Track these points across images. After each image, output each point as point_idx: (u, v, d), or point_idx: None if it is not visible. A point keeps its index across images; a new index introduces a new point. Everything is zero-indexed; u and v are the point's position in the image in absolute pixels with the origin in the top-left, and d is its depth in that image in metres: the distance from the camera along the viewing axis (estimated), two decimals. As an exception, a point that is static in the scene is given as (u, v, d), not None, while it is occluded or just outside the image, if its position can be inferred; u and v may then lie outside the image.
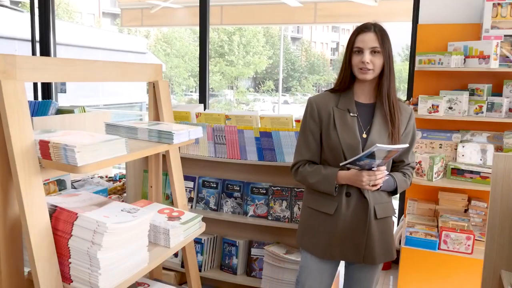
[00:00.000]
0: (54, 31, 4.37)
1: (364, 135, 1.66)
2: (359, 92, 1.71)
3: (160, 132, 1.57)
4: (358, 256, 1.67)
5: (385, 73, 1.65)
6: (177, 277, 2.70)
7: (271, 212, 2.44)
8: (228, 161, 2.50)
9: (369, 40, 1.61)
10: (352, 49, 1.64)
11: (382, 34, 1.63)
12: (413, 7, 3.03)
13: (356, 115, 1.68)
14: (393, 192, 1.74)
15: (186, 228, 1.58)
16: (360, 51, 1.62)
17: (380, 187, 1.63)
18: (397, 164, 1.78)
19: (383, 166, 1.58)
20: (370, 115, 1.69)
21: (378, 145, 1.42)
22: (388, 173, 1.67)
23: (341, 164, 1.60)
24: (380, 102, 1.68)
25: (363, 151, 1.61)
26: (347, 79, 1.69)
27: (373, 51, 1.61)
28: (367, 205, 1.65)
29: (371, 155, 1.47)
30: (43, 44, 4.31)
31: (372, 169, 1.57)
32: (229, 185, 2.57)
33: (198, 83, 3.72)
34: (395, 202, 4.51)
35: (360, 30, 1.64)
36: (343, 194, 1.66)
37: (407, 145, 1.61)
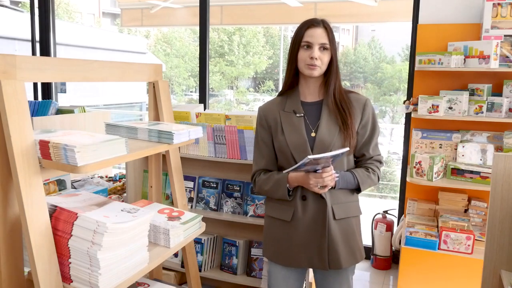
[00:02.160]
0: (54, 31, 4.37)
1: (313, 134, 1.62)
2: (305, 91, 1.67)
3: (160, 132, 1.57)
4: (323, 262, 1.61)
5: (333, 70, 1.62)
6: (177, 277, 2.70)
7: (271, 212, 2.44)
8: (228, 161, 2.50)
9: (319, 35, 1.56)
10: (300, 43, 1.59)
11: (331, 30, 1.59)
12: (413, 7, 3.03)
13: (302, 115, 1.64)
14: (357, 190, 1.67)
15: (186, 228, 1.58)
16: (309, 46, 1.57)
17: (334, 186, 1.58)
18: (360, 159, 1.70)
19: (329, 167, 1.52)
20: (318, 113, 1.64)
21: (309, 156, 1.39)
22: (340, 171, 1.61)
23: (283, 172, 1.58)
24: (327, 99, 1.64)
25: (312, 150, 1.58)
26: (291, 76, 1.65)
27: (322, 47, 1.57)
28: (325, 206, 1.59)
29: (313, 162, 1.44)
30: (43, 44, 4.31)
31: (317, 171, 1.53)
32: (229, 185, 2.57)
33: (198, 83, 3.72)
34: (395, 202, 4.52)
35: (310, 24, 1.58)
36: (298, 198, 1.61)
37: (346, 149, 1.46)
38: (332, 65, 1.61)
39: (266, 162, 1.71)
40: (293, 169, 1.50)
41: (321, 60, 1.57)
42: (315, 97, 1.67)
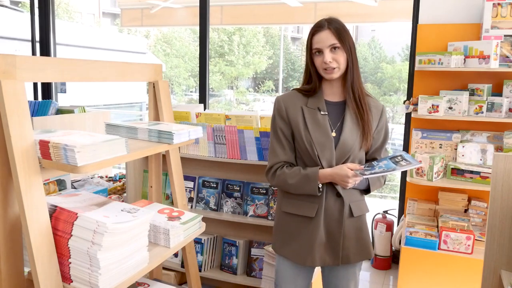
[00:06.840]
0: (54, 31, 4.37)
1: (334, 134, 1.62)
2: (328, 91, 1.67)
3: (160, 132, 1.57)
4: (336, 259, 1.63)
5: (349, 67, 1.60)
6: (177, 277, 2.70)
7: (271, 212, 2.44)
8: (228, 161, 2.50)
9: (325, 38, 1.56)
10: (311, 51, 1.60)
11: (338, 29, 1.57)
12: (413, 7, 3.03)
13: (326, 113, 1.63)
14: (366, 191, 1.71)
15: (186, 228, 1.58)
16: (320, 51, 1.57)
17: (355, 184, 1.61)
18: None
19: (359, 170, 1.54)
20: (340, 113, 1.65)
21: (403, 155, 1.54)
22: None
23: (358, 170, 1.55)
24: (349, 99, 1.64)
25: (335, 149, 1.60)
26: (316, 79, 1.65)
27: (333, 48, 1.56)
28: (343, 204, 1.63)
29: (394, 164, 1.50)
30: (43, 44, 4.31)
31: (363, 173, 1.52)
32: (229, 185, 2.57)
33: (198, 83, 3.72)
34: (395, 202, 4.53)
35: (315, 30, 1.59)
36: (324, 194, 1.62)
37: (420, 164, 1.68)
38: (349, 62, 1.60)
39: (288, 156, 1.66)
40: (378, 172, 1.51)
41: (337, 61, 1.57)
42: (337, 97, 1.67)
